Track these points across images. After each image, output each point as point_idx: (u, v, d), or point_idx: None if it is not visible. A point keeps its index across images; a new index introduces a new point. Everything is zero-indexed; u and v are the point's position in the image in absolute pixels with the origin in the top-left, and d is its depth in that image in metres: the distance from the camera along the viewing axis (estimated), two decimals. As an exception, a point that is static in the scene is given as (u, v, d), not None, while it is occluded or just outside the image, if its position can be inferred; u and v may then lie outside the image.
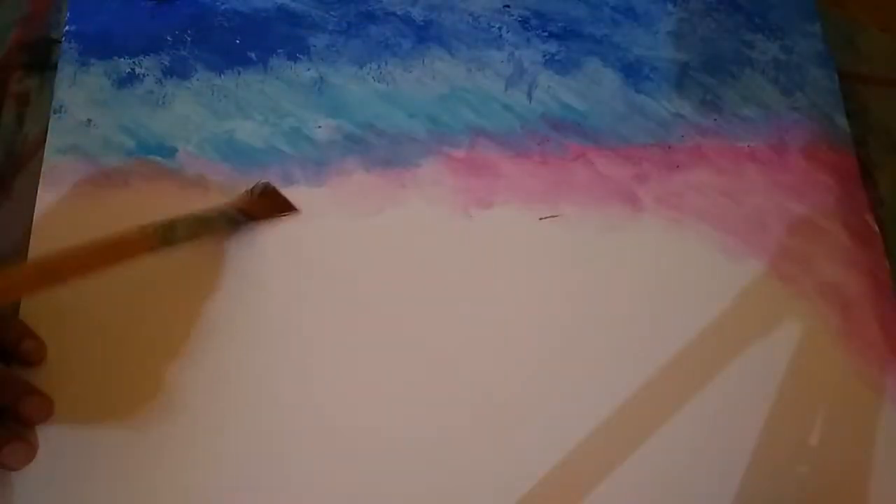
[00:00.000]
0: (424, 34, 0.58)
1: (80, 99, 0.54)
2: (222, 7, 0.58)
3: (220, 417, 0.45)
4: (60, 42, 0.56)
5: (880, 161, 0.56)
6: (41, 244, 0.48)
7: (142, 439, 0.44)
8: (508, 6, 0.60)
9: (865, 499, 0.45)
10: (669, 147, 0.55)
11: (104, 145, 0.52)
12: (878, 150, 0.56)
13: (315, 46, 0.57)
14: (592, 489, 0.44)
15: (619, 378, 0.47)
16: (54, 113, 0.53)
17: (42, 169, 0.51)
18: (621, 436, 0.46)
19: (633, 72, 0.58)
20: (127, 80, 0.55)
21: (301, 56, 0.57)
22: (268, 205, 0.51)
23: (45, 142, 0.52)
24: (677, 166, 0.54)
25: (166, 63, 0.56)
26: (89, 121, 0.53)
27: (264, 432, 0.45)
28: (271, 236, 0.50)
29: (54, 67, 0.55)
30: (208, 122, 0.54)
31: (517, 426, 0.46)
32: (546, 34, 0.59)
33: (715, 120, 0.56)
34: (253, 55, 0.56)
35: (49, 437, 0.43)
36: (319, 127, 0.54)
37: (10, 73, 0.54)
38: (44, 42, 0.56)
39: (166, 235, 0.45)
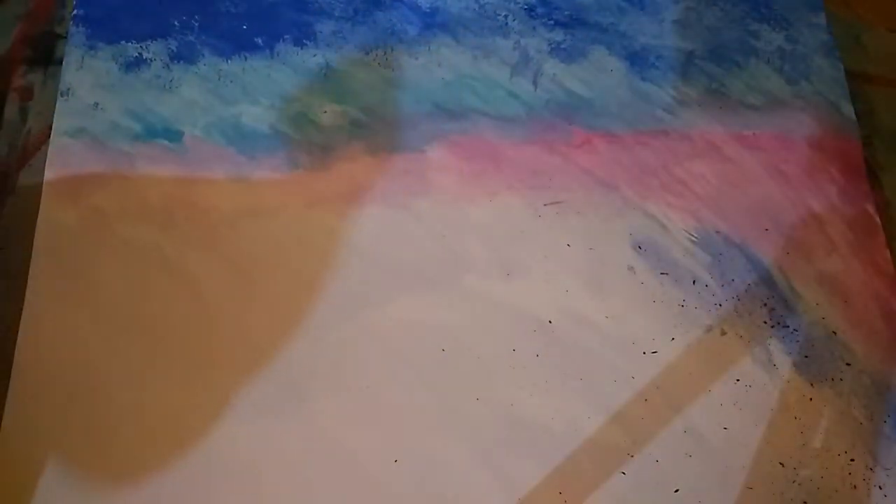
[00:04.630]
0: (430, 21, 0.58)
1: (88, 82, 0.54)
2: (229, -7, 0.58)
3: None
4: (64, 37, 0.56)
5: (886, 163, 0.55)
6: (47, 227, 0.49)
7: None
8: (514, -6, 0.60)
9: (867, 499, 0.45)
10: (674, 134, 0.55)
11: (111, 128, 0.53)
12: (883, 152, 0.56)
13: (321, 32, 0.57)
14: (595, 490, 0.44)
15: (620, 372, 0.47)
16: (61, 96, 0.53)
17: (49, 151, 0.51)
18: (622, 436, 0.46)
19: (638, 60, 0.58)
20: (134, 65, 0.55)
21: (307, 42, 0.57)
22: None
23: (49, 137, 0.52)
24: (682, 154, 0.54)
25: (173, 48, 0.56)
26: (96, 104, 0.53)
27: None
28: (274, 221, 0.50)
29: (58, 62, 0.55)
30: (215, 107, 0.54)
31: (518, 426, 0.46)
32: (552, 22, 0.59)
33: (720, 108, 0.56)
34: (260, 41, 0.57)
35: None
36: (325, 112, 0.54)
37: (13, 67, 0.55)
38: (48, 37, 0.56)
39: None
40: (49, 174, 0.50)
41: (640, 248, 0.51)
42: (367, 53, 0.57)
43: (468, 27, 0.58)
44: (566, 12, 0.59)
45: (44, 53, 0.55)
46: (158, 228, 0.49)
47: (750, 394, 0.47)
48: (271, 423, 0.45)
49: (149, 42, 0.56)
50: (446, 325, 0.48)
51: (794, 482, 0.45)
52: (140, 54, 0.55)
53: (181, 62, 0.55)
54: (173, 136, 0.53)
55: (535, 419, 0.46)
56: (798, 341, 0.49)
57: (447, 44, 0.57)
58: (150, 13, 0.57)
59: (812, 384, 0.47)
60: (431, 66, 0.56)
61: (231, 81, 0.55)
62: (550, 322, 0.48)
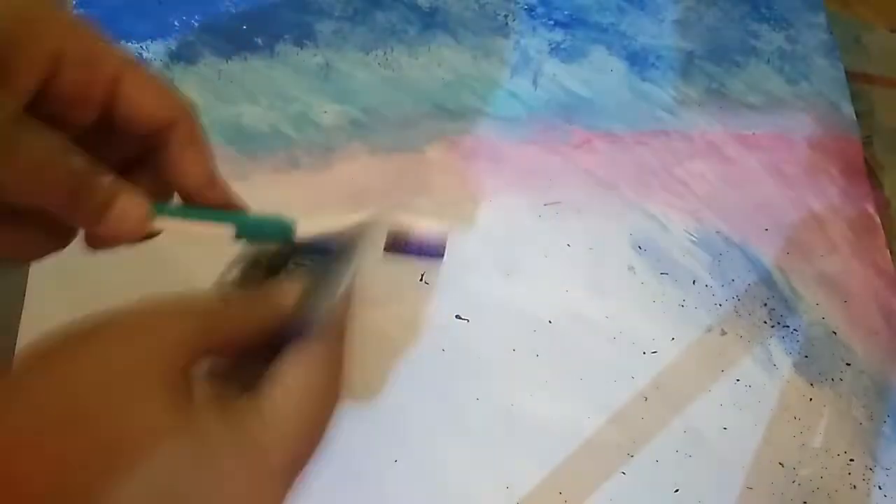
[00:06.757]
0: (430, 21, 0.58)
1: (88, 82, 0.54)
2: (229, -7, 0.58)
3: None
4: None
5: (886, 163, 0.55)
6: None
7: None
8: (514, -6, 0.60)
9: (867, 499, 0.45)
10: (674, 134, 0.55)
11: (111, 128, 0.53)
12: (883, 152, 0.56)
13: (321, 32, 0.57)
14: (595, 490, 0.44)
15: (620, 372, 0.47)
16: (62, 96, 0.53)
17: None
18: (622, 436, 0.46)
19: (638, 60, 0.58)
20: (134, 65, 0.55)
21: (307, 42, 0.57)
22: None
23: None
24: (682, 154, 0.54)
25: (173, 48, 0.56)
26: (96, 104, 0.53)
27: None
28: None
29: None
30: (215, 107, 0.54)
31: (520, 426, 0.46)
32: (552, 22, 0.59)
33: (720, 108, 0.56)
34: (260, 41, 0.57)
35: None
36: (325, 112, 0.54)
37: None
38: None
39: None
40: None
41: (640, 248, 0.51)
42: (368, 53, 0.57)
43: (468, 27, 0.58)
44: (566, 12, 0.59)
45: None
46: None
47: (750, 394, 0.47)
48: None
49: (149, 42, 0.56)
50: (446, 325, 0.48)
51: (793, 482, 0.45)
52: (140, 54, 0.55)
53: (181, 62, 0.55)
54: (173, 136, 0.53)
55: (535, 419, 0.46)
56: (798, 341, 0.49)
57: (447, 44, 0.57)
58: (150, 13, 0.57)
59: (812, 384, 0.47)
60: (431, 66, 0.56)
61: (231, 81, 0.55)
62: (550, 322, 0.48)
